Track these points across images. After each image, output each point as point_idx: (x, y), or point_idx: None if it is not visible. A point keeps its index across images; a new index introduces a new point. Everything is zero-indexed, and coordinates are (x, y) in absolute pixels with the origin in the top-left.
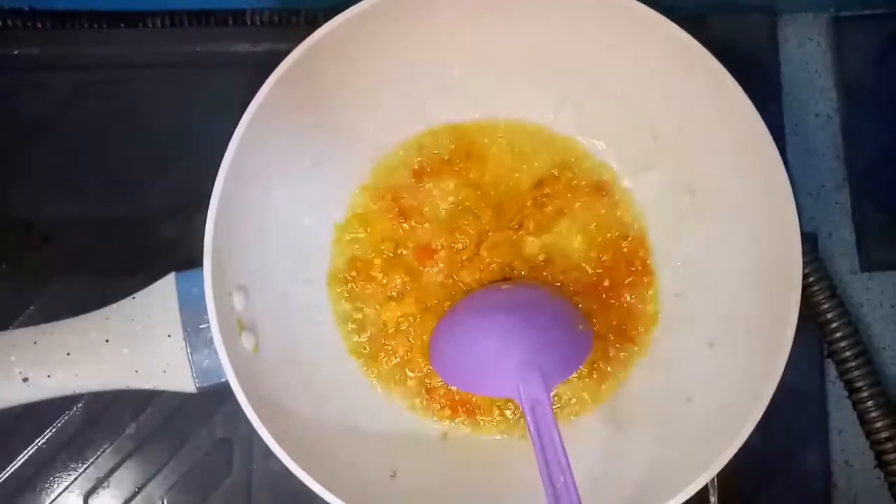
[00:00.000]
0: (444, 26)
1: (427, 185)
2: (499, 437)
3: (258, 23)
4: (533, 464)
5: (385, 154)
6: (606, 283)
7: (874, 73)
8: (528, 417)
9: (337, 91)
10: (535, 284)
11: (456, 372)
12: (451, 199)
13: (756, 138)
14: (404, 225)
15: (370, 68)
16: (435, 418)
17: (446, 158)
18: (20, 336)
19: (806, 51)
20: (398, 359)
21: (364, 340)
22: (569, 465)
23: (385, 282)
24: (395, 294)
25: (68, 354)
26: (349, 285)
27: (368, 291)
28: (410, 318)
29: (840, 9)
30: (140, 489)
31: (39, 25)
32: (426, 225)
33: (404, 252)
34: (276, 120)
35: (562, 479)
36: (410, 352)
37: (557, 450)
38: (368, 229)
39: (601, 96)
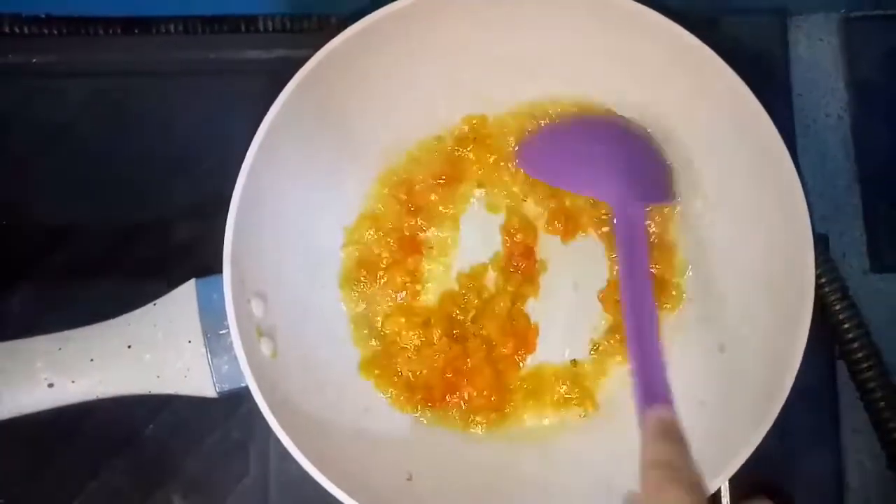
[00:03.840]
0: (459, 33)
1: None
2: (515, 441)
3: (270, 29)
4: (548, 466)
5: (398, 158)
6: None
7: (885, 74)
8: (618, 222)
9: (351, 97)
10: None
11: (552, 168)
12: (467, 199)
13: (767, 141)
14: (413, 223)
15: (383, 75)
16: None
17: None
18: (45, 342)
19: (816, 51)
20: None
21: (377, 345)
22: (649, 275)
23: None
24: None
25: (92, 360)
26: (361, 288)
27: (379, 294)
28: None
29: (851, 9)
30: (157, 491)
31: (55, 32)
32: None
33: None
34: (292, 126)
35: (641, 290)
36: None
37: (643, 260)
38: (379, 232)
39: (612, 102)
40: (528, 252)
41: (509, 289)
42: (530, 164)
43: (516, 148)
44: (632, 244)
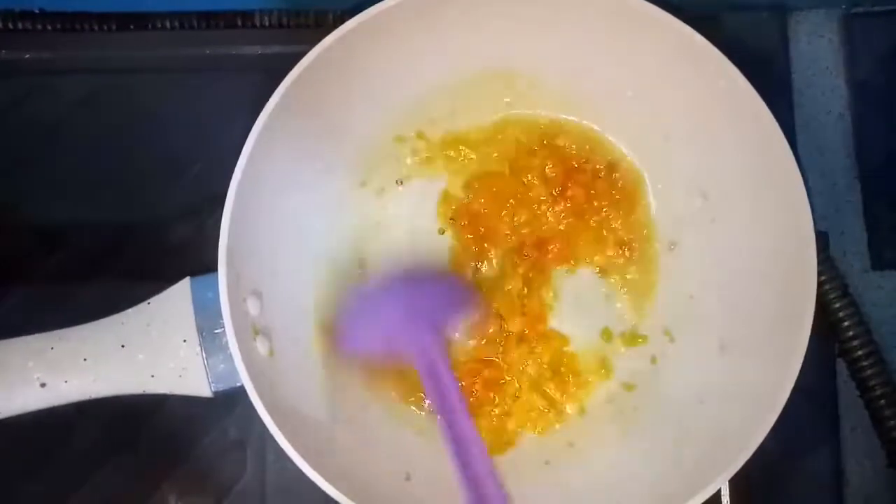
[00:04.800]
0: (455, 30)
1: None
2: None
3: (267, 24)
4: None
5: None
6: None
7: (886, 70)
8: (418, 363)
9: (347, 94)
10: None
11: (361, 343)
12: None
13: (769, 139)
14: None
15: (380, 71)
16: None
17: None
18: (38, 342)
19: (817, 48)
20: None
21: None
22: (461, 403)
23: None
24: None
25: (85, 360)
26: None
27: None
28: None
29: (851, 5)
30: (153, 492)
31: (49, 28)
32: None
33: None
34: (288, 124)
35: (454, 419)
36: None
37: (451, 389)
38: (380, 230)
39: (613, 98)
40: (540, 243)
41: (519, 271)
42: (346, 344)
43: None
44: (434, 377)
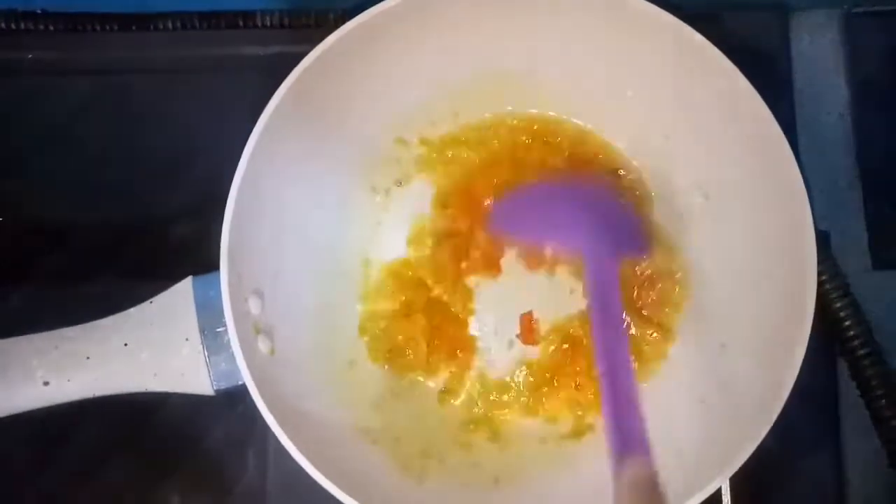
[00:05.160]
0: (455, 30)
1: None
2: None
3: (268, 24)
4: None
5: (400, 156)
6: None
7: (887, 70)
8: (590, 278)
9: (348, 94)
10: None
11: (525, 226)
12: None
13: (769, 138)
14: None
15: (381, 71)
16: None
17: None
18: (41, 341)
19: (818, 47)
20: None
21: (380, 343)
22: (623, 326)
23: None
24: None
25: (88, 358)
26: (364, 288)
27: (383, 294)
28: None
29: (853, 5)
30: (155, 490)
31: (51, 28)
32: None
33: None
34: (289, 123)
35: (615, 341)
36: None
37: (617, 313)
38: (380, 230)
39: (613, 98)
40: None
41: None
42: (504, 223)
43: (490, 211)
44: (604, 296)
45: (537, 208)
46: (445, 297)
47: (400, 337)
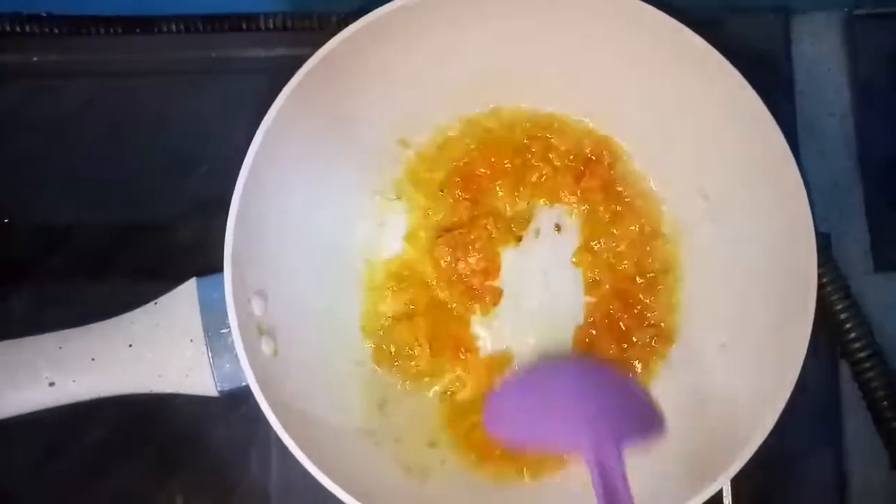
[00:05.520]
0: (458, 33)
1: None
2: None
3: (271, 27)
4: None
5: (403, 157)
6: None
7: (888, 72)
8: (594, 475)
9: (352, 96)
10: (599, 362)
11: (516, 426)
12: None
13: (770, 140)
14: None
15: (385, 73)
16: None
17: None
18: (46, 341)
19: (819, 50)
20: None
21: (385, 345)
22: None
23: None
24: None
25: (93, 359)
26: (369, 292)
27: (385, 295)
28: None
29: (854, 7)
30: (158, 491)
31: (56, 31)
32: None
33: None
34: (292, 125)
35: None
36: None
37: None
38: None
39: (614, 101)
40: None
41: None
42: (497, 425)
43: (486, 403)
44: (610, 495)
45: (528, 403)
46: (446, 296)
47: (402, 340)
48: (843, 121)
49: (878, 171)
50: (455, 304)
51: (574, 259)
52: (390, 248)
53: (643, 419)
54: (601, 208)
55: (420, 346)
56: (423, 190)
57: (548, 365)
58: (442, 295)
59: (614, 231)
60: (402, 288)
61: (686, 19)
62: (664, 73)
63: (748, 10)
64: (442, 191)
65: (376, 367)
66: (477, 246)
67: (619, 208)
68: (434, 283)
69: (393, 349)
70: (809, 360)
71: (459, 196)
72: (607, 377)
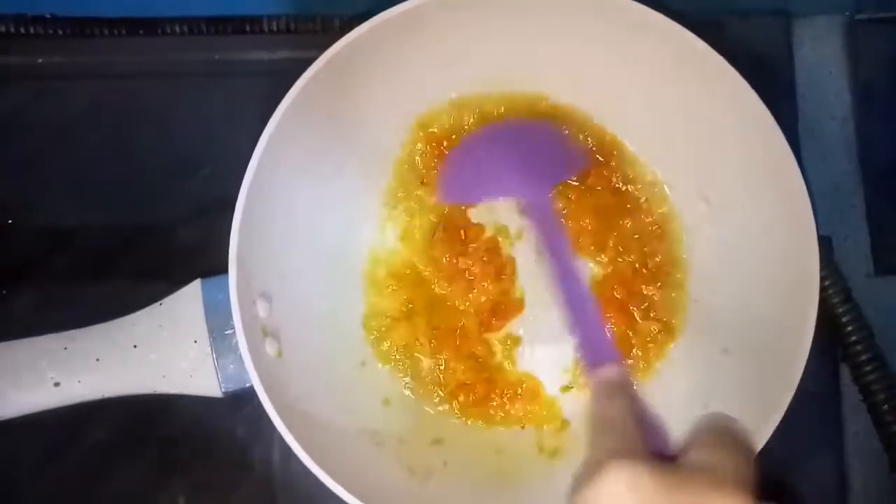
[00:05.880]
0: (461, 37)
1: None
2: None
3: (275, 30)
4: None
5: (405, 158)
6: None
7: (889, 76)
8: (529, 212)
9: (356, 99)
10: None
11: (462, 189)
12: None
13: (772, 144)
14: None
15: (389, 76)
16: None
17: None
18: (51, 342)
19: (821, 53)
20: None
21: (388, 346)
22: (570, 250)
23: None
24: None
25: (97, 360)
26: (372, 292)
27: (391, 297)
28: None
29: (855, 11)
30: (162, 491)
31: (60, 33)
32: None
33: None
34: (298, 128)
35: (566, 265)
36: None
37: (560, 238)
38: (390, 235)
39: (616, 104)
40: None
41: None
42: (447, 193)
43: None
44: (546, 226)
45: (473, 165)
46: (448, 293)
47: (402, 340)
48: (844, 124)
49: (878, 174)
50: (457, 301)
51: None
52: (392, 249)
53: (561, 160)
54: (605, 205)
55: (420, 344)
56: (423, 190)
57: (488, 129)
58: (443, 292)
59: (619, 226)
60: (402, 287)
61: (687, 23)
62: (666, 76)
63: (749, 13)
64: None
65: (379, 368)
66: (476, 240)
67: (626, 205)
68: (435, 281)
69: (395, 350)
70: (810, 362)
71: None
72: (536, 131)
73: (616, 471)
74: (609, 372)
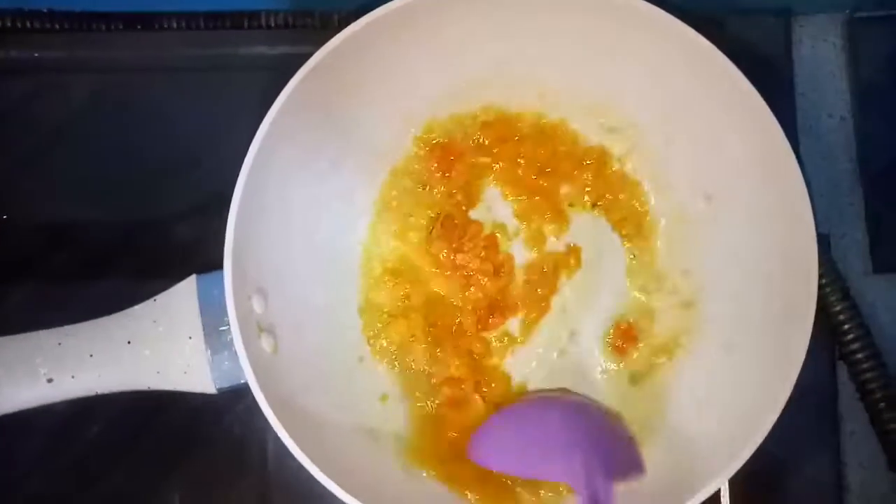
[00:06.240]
0: (460, 32)
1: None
2: None
3: (273, 25)
4: None
5: (402, 155)
6: None
7: (889, 74)
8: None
9: (353, 94)
10: (583, 399)
11: (507, 454)
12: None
13: (771, 141)
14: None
15: (387, 71)
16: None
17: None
18: (45, 338)
19: (820, 52)
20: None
21: (384, 343)
22: None
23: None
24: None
25: (91, 356)
26: (368, 289)
27: (387, 295)
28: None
29: (855, 10)
30: (157, 489)
31: (57, 28)
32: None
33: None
34: (295, 123)
35: None
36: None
37: None
38: (386, 231)
39: (616, 101)
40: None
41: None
42: (485, 453)
43: (471, 439)
44: None
45: (519, 434)
46: (446, 291)
47: (399, 337)
48: (842, 123)
49: (877, 172)
50: (454, 299)
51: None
52: (388, 245)
53: (627, 458)
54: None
55: (416, 341)
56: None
57: (538, 398)
58: (440, 289)
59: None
60: (398, 283)
61: (687, 20)
62: (667, 74)
63: (749, 11)
64: (436, 187)
65: (376, 365)
66: (473, 235)
67: (619, 197)
68: (432, 277)
69: (392, 347)
70: (808, 361)
71: (454, 193)
72: (596, 414)
73: None
74: None
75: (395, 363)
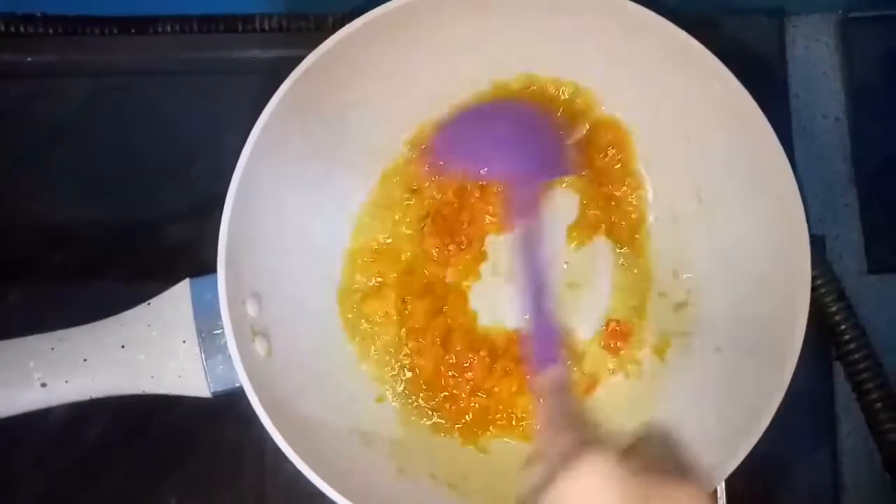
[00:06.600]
0: (454, 34)
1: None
2: (505, 440)
3: (267, 28)
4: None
5: (395, 159)
6: None
7: (882, 75)
8: (515, 198)
9: (347, 96)
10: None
11: (458, 152)
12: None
13: (764, 142)
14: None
15: (380, 73)
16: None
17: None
18: (38, 342)
19: (814, 52)
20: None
21: (374, 347)
22: (543, 242)
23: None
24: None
25: (85, 360)
26: (360, 293)
27: (377, 298)
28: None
29: (848, 10)
30: (152, 493)
31: (51, 32)
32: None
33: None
34: (287, 126)
35: (536, 260)
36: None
37: (538, 235)
38: (378, 235)
39: (608, 102)
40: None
41: None
42: (442, 152)
43: (426, 146)
44: (527, 211)
45: (471, 134)
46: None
47: (395, 336)
48: (837, 123)
49: (871, 173)
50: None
51: (569, 235)
52: (382, 246)
53: (556, 159)
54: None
55: (389, 319)
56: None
57: (488, 104)
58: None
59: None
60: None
61: (680, 21)
62: (658, 75)
63: (743, 12)
64: (428, 190)
65: (371, 367)
66: (465, 228)
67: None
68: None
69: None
70: (803, 361)
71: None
72: (536, 121)
73: (594, 459)
74: (558, 372)
75: (390, 365)
